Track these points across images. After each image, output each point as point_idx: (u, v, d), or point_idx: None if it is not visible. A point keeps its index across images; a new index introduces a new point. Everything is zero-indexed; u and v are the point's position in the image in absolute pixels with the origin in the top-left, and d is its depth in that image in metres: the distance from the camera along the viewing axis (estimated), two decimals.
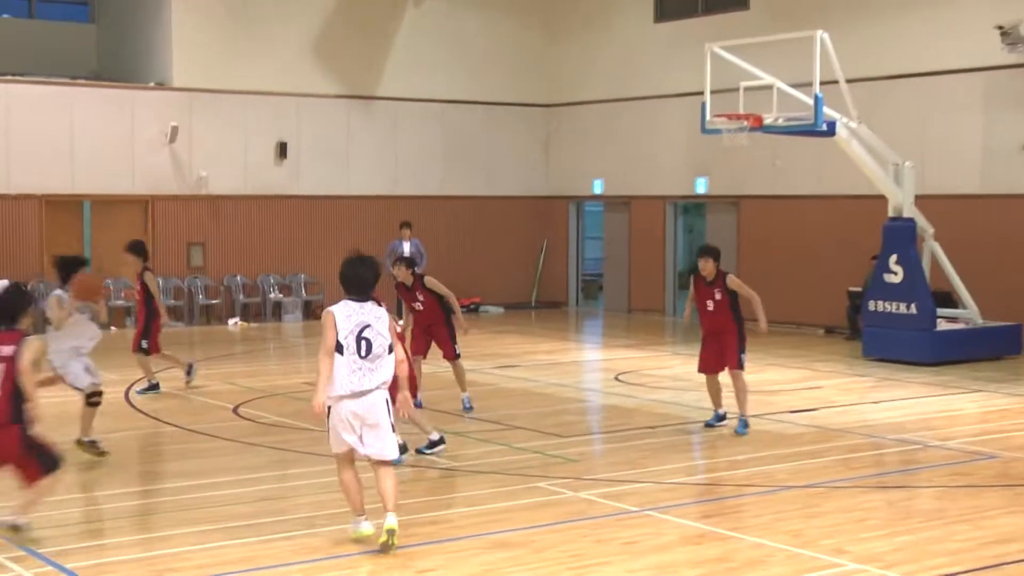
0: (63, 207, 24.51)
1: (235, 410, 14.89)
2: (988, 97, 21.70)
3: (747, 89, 19.03)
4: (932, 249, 20.02)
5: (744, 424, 13.56)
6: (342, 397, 8.79)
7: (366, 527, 9.03)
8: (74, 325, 11.94)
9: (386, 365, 8.87)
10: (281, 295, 25.72)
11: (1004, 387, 16.98)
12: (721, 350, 13.65)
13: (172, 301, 24.56)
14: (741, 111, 18.84)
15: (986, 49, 21.32)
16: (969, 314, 20.11)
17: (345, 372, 8.75)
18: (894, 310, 19.37)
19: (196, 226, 25.49)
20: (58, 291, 12.05)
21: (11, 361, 8.86)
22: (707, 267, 13.62)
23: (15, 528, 8.94)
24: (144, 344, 15.97)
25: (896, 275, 19.37)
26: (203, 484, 11.01)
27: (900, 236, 19.53)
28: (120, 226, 25.01)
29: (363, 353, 8.77)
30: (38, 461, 8.97)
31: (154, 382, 16.15)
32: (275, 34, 26.20)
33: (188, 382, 16.49)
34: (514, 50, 29.06)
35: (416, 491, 10.79)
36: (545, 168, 29.67)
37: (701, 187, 26.32)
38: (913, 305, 19.15)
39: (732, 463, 12.07)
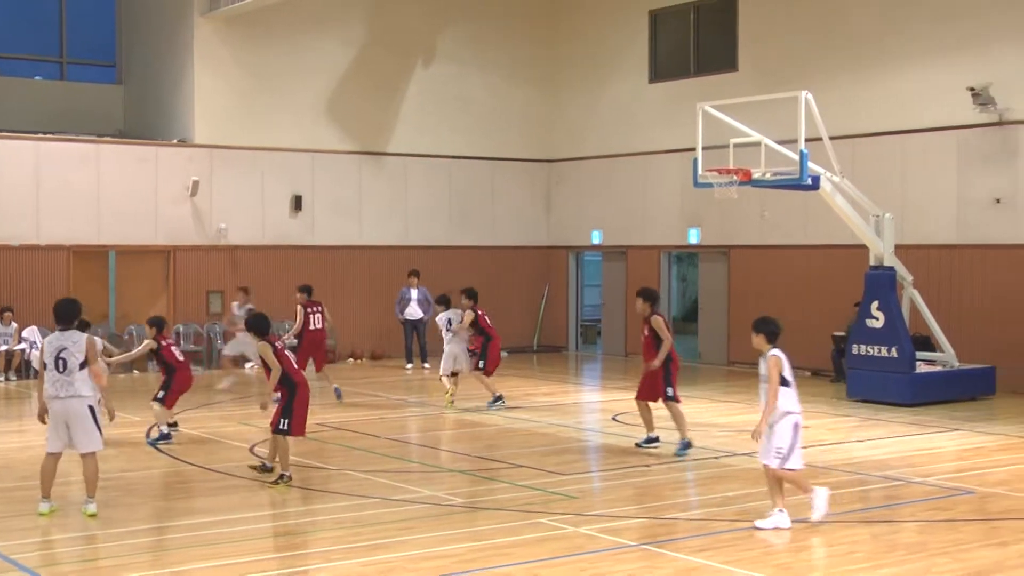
0: (90, 257, 24.58)
1: (251, 449, 14.86)
2: (961, 153, 21.78)
3: (737, 145, 19.10)
4: (911, 296, 20.05)
5: (683, 446, 14.57)
6: (51, 401, 10.89)
7: (45, 507, 10.97)
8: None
9: (80, 378, 10.89)
10: (296, 340, 25.56)
11: (979, 426, 16.97)
12: (652, 383, 14.83)
13: (192, 346, 24.61)
14: (731, 166, 18.89)
15: (959, 109, 21.45)
16: (946, 357, 20.10)
17: (48, 383, 10.92)
18: (876, 354, 19.36)
19: (215, 275, 25.54)
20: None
21: None
22: (638, 304, 14.98)
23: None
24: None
25: (877, 320, 19.37)
26: (220, 520, 10.99)
27: (881, 284, 19.56)
28: (143, 275, 25.10)
29: (60, 369, 10.88)
30: None
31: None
32: (291, 94, 26.34)
33: None
34: (517, 109, 29.20)
35: (423, 527, 10.76)
36: (546, 220, 29.75)
37: (694, 237, 26.37)
38: (894, 349, 19.15)
39: (725, 499, 12.04)
